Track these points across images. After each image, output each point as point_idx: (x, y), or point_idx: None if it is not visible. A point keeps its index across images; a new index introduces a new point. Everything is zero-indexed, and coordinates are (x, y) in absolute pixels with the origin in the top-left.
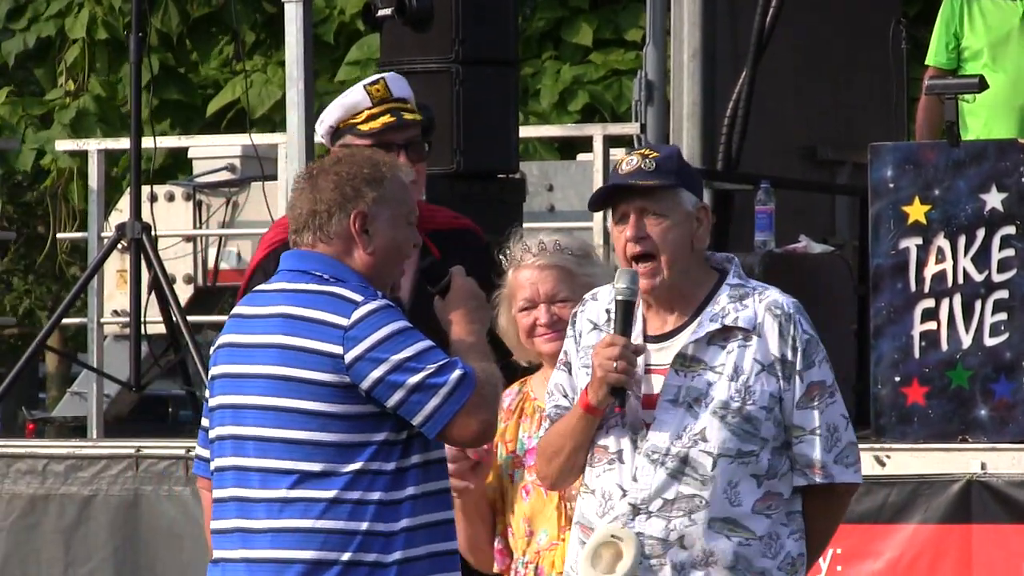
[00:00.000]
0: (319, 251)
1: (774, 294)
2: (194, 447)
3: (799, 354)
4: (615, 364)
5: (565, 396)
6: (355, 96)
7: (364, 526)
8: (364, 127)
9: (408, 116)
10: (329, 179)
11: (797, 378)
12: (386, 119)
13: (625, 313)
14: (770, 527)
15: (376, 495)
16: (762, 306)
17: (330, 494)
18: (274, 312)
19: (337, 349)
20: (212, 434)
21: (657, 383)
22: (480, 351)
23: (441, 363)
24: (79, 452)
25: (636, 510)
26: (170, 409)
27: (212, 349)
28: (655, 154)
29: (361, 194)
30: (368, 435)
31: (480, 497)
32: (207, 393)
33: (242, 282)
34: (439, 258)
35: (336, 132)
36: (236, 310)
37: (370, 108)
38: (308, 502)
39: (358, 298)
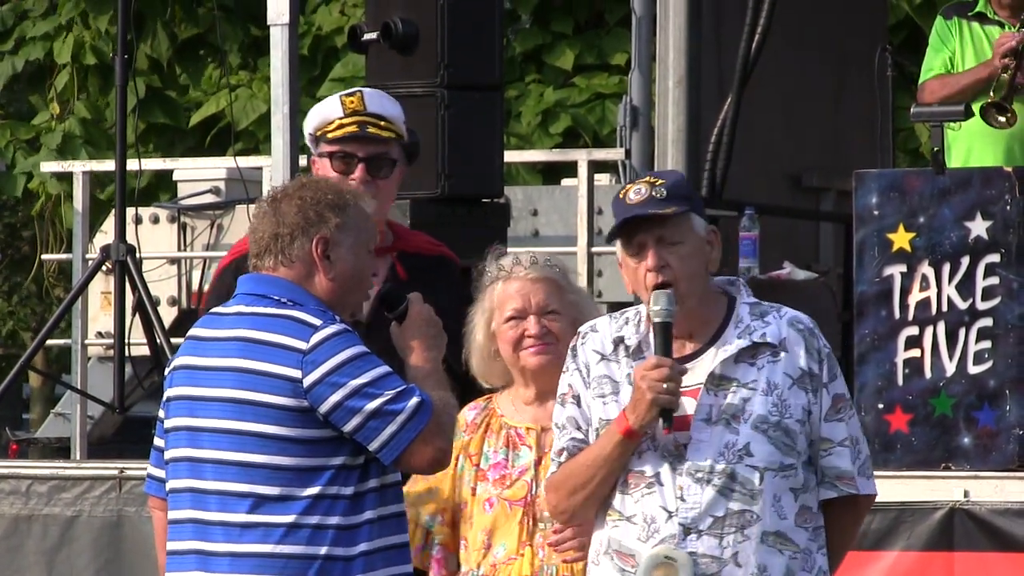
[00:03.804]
0: (279, 275)
1: (790, 311)
2: None
3: (824, 367)
4: (665, 385)
5: (579, 429)
6: (330, 106)
7: (323, 551)
8: (331, 135)
9: (374, 131)
10: (292, 203)
11: (824, 391)
12: (349, 129)
13: (664, 335)
14: (806, 541)
15: (335, 519)
16: (784, 322)
17: (289, 518)
18: (232, 335)
19: (296, 373)
20: (168, 455)
21: (688, 404)
22: (437, 379)
23: (399, 390)
24: (63, 473)
25: (687, 530)
26: (153, 431)
27: (167, 370)
28: (662, 181)
29: (324, 219)
30: (326, 459)
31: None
32: (161, 413)
33: (208, 290)
34: (406, 279)
35: (315, 140)
36: (192, 332)
37: (340, 118)
38: (267, 527)
39: (317, 322)
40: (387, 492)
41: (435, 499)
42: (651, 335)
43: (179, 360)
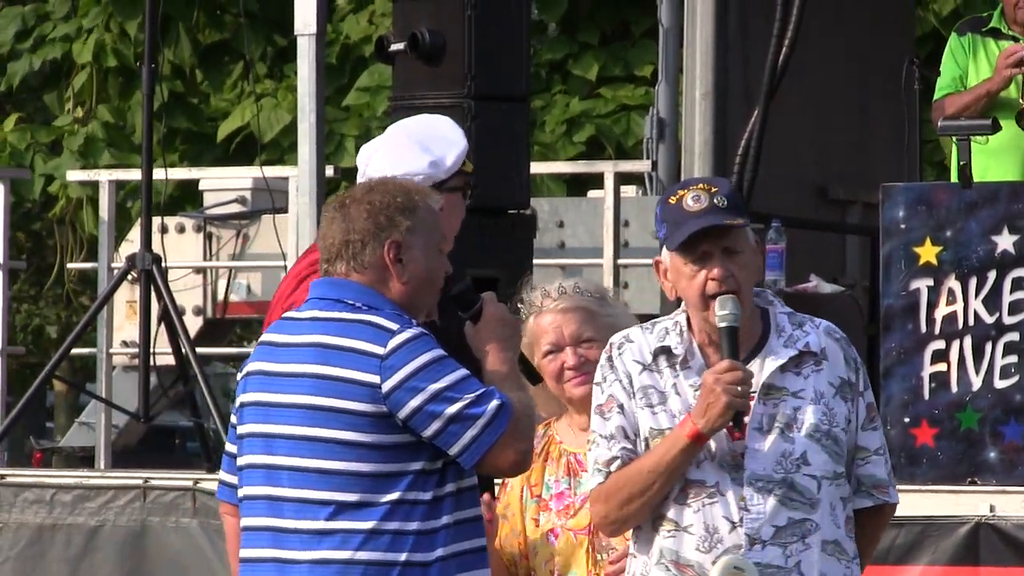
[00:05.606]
0: (352, 279)
1: (823, 321)
2: (201, 478)
3: (859, 376)
4: (739, 388)
5: (627, 438)
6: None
7: (403, 557)
8: (467, 169)
9: None
10: (362, 208)
11: (860, 399)
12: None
13: (731, 339)
14: (855, 550)
15: (414, 525)
16: (821, 331)
17: (368, 525)
18: (307, 341)
19: (374, 378)
20: (241, 461)
21: None
22: (514, 380)
23: (478, 393)
24: (87, 482)
25: (752, 540)
26: (178, 441)
27: (240, 376)
28: (717, 188)
29: (395, 223)
30: (404, 464)
31: (496, 556)
32: (234, 419)
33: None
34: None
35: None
36: (265, 337)
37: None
38: (346, 533)
39: (393, 326)
40: (464, 496)
41: (517, 536)
42: (695, 345)
43: (252, 365)
